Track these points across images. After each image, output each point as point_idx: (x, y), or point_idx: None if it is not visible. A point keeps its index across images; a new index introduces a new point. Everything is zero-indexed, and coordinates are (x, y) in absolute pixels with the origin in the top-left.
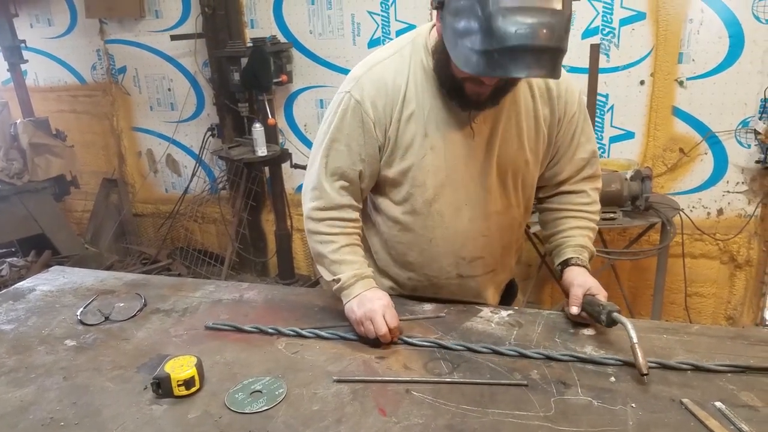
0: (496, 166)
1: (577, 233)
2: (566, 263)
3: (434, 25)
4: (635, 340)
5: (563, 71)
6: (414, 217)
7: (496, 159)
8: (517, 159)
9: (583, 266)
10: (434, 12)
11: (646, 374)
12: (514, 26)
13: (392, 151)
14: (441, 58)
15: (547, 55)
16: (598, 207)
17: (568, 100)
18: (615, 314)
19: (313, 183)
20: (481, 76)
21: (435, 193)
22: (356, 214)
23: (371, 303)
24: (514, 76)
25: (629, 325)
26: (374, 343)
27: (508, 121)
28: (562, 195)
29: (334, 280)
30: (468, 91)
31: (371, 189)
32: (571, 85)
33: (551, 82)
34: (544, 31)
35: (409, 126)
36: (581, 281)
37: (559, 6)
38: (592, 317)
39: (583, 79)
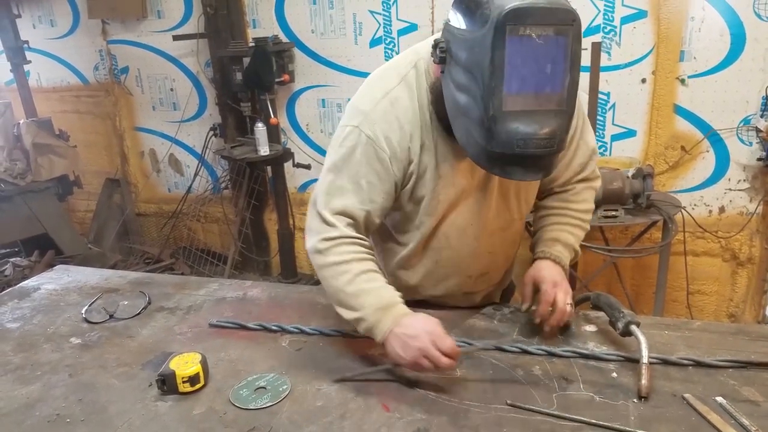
0: (498, 185)
1: (554, 228)
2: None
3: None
4: (645, 360)
5: None
6: (419, 242)
7: (498, 179)
8: None
9: (547, 258)
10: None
11: (644, 397)
12: (515, 135)
13: (414, 184)
14: (439, 99)
15: (545, 160)
16: (586, 205)
17: None
18: (633, 327)
19: (319, 218)
20: (478, 165)
21: (441, 218)
22: (368, 243)
23: (415, 340)
24: (512, 179)
25: (643, 344)
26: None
27: None
28: (552, 195)
29: (356, 319)
30: None
31: None
32: None
33: None
34: (544, 140)
35: (423, 158)
36: (531, 274)
37: (563, 106)
38: (609, 323)
39: (585, 78)
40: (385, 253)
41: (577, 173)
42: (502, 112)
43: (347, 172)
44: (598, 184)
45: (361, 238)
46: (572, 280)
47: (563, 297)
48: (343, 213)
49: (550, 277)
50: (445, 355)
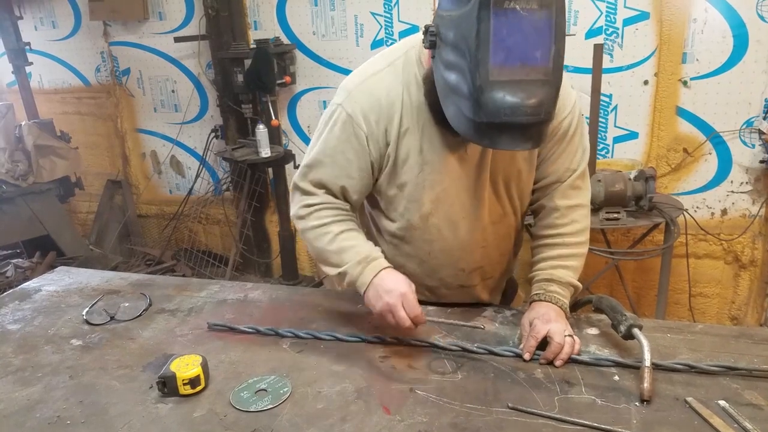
0: (489, 178)
1: (548, 264)
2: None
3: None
4: (648, 363)
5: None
6: (411, 231)
7: (490, 171)
8: (508, 169)
9: (543, 300)
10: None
11: (646, 401)
12: (502, 104)
13: (392, 168)
14: (432, 89)
15: (533, 129)
16: (578, 226)
17: (558, 110)
18: (635, 330)
19: (299, 188)
20: (468, 140)
21: (431, 207)
22: (347, 206)
23: (388, 295)
24: (501, 149)
25: (645, 347)
26: (402, 331)
27: None
28: (542, 218)
29: (339, 274)
30: None
31: (369, 203)
32: (567, 95)
33: None
34: (531, 108)
35: (403, 141)
36: (526, 315)
37: (549, 76)
38: (612, 326)
39: (587, 80)
40: (378, 241)
41: (570, 171)
42: (489, 82)
43: (327, 147)
44: (586, 197)
45: (339, 203)
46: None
47: (559, 330)
48: (319, 185)
49: (545, 315)
50: (411, 319)
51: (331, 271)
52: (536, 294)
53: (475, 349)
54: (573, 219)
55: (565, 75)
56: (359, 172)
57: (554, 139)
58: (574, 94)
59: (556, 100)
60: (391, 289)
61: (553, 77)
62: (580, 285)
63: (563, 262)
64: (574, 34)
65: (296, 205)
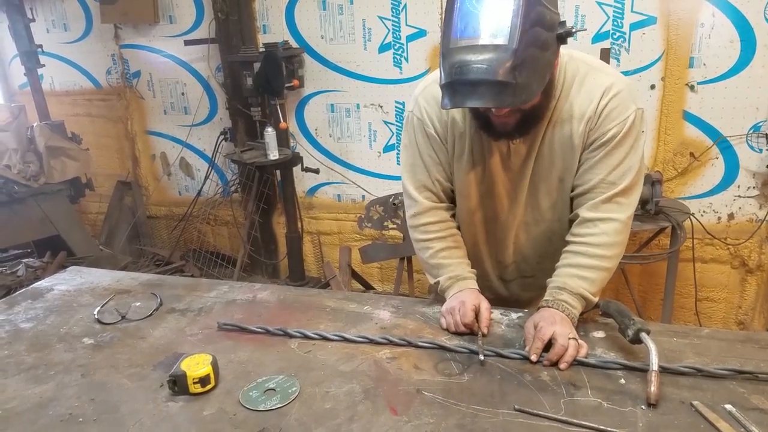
0: (528, 183)
1: (563, 272)
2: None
3: None
4: (655, 368)
5: (620, 93)
6: (461, 222)
7: (530, 177)
8: (549, 178)
9: (550, 307)
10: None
11: (653, 405)
12: (454, 64)
13: (452, 164)
14: None
15: (483, 87)
16: (605, 238)
17: (606, 118)
18: (643, 334)
19: (406, 196)
20: (443, 108)
21: (477, 203)
22: (447, 214)
23: (452, 300)
24: (457, 107)
25: (653, 351)
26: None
27: (543, 143)
28: (574, 226)
29: (435, 282)
30: (494, 122)
31: None
32: (624, 108)
33: (595, 101)
34: (477, 66)
35: (459, 142)
36: (531, 318)
37: (503, 41)
38: (619, 329)
39: None
40: None
41: (608, 184)
42: (449, 49)
43: (413, 151)
44: (624, 213)
45: (440, 209)
46: None
47: (563, 333)
48: (422, 186)
49: (550, 317)
50: (463, 324)
51: (430, 279)
52: (545, 300)
53: (487, 352)
54: (602, 231)
55: (629, 91)
56: (443, 165)
57: (595, 144)
58: (632, 109)
59: (513, 64)
60: (457, 301)
61: (510, 41)
62: (593, 299)
63: (581, 272)
64: (585, 29)
65: (407, 212)
